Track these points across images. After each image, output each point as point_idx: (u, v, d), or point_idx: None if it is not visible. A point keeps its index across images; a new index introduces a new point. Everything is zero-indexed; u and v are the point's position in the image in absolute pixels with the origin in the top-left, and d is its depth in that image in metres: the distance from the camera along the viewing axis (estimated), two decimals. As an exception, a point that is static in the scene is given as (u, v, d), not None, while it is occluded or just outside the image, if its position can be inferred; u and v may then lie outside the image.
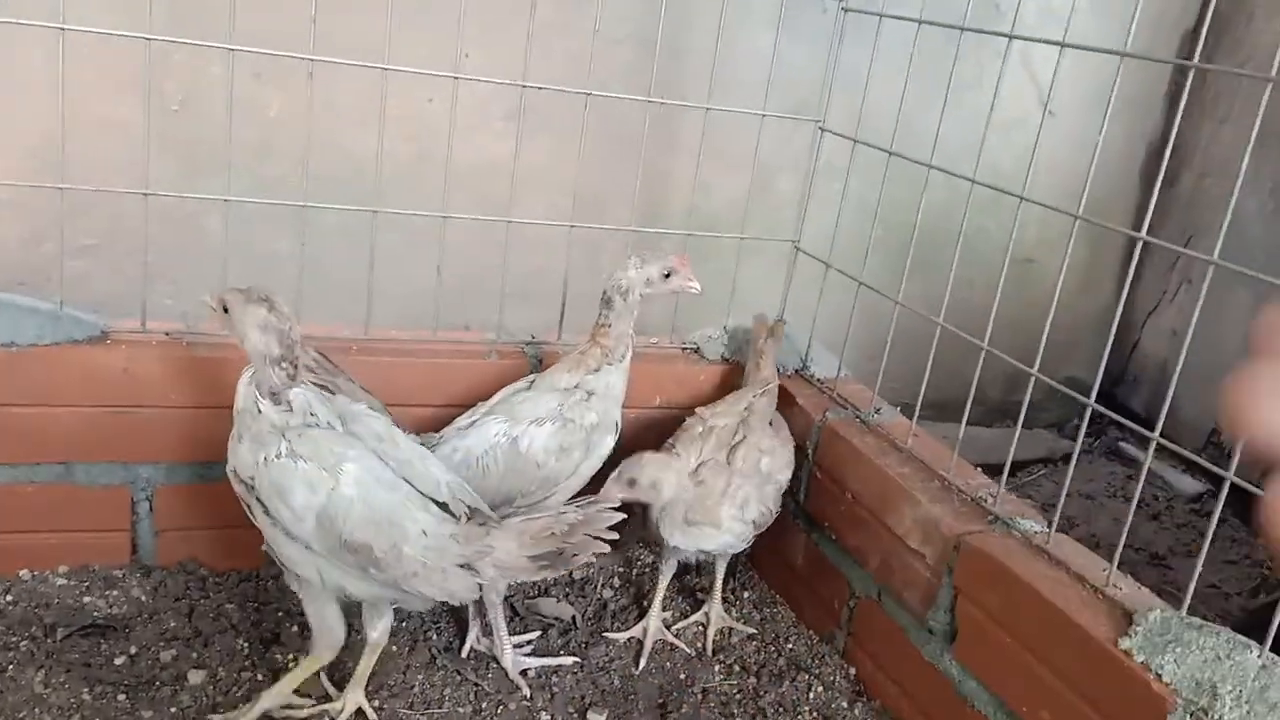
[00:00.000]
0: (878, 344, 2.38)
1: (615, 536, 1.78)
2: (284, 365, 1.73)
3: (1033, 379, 2.03)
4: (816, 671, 2.25)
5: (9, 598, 2.07)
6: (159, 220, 2.24)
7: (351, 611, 1.92)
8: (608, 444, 2.17)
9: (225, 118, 2.21)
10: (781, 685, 2.19)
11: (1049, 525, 1.98)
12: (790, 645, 2.34)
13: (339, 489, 1.71)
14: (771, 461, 2.24)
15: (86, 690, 1.89)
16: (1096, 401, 1.91)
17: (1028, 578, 1.85)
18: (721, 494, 2.14)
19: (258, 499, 1.75)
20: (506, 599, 2.32)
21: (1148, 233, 1.86)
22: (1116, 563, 1.84)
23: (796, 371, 2.56)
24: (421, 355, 2.30)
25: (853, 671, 2.25)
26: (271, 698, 1.87)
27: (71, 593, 2.12)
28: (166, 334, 2.16)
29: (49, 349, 2.03)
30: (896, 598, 2.13)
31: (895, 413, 2.39)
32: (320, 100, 2.27)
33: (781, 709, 2.14)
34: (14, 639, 1.97)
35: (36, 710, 1.82)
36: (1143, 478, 1.85)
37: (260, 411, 1.74)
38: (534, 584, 2.40)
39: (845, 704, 2.17)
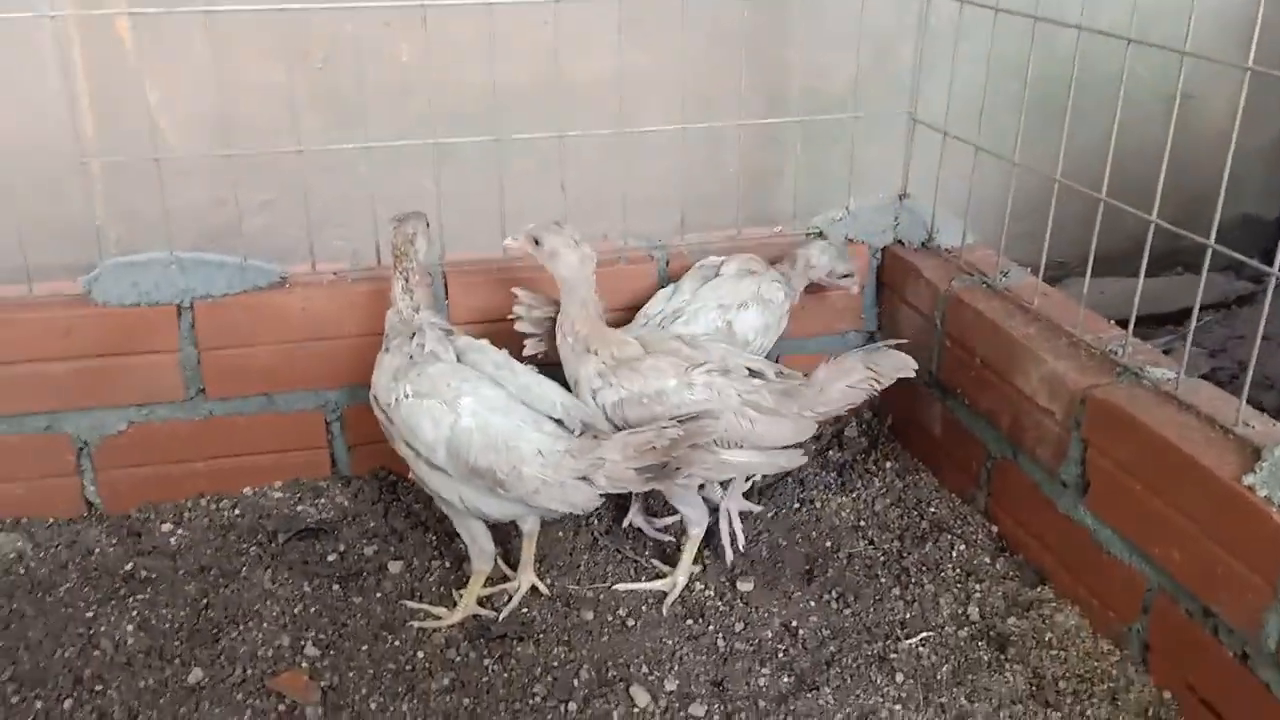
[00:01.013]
0: (1020, 209, 2.36)
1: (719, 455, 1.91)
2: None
3: (1152, 226, 2.00)
4: (959, 531, 2.33)
5: (236, 511, 2.44)
6: (320, 171, 2.49)
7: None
8: (788, 315, 2.40)
9: (362, 70, 2.43)
10: (924, 546, 2.29)
11: (1182, 371, 1.96)
12: (933, 509, 2.42)
13: (459, 421, 1.93)
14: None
15: (306, 583, 2.22)
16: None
17: (1153, 424, 1.85)
18: (620, 343, 2.08)
19: (397, 431, 2.01)
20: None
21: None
22: (1244, 399, 1.81)
23: (923, 244, 2.58)
24: (556, 270, 2.48)
25: (994, 529, 2.32)
26: (460, 613, 2.11)
27: (287, 503, 2.46)
28: (334, 274, 2.44)
29: (239, 297, 2.34)
30: (1030, 455, 2.16)
31: (1024, 274, 2.38)
32: (444, 41, 2.45)
33: (925, 568, 2.24)
34: (244, 545, 2.33)
35: (268, 602, 2.17)
36: (1265, 312, 1.79)
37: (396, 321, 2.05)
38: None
39: (988, 560, 2.25)
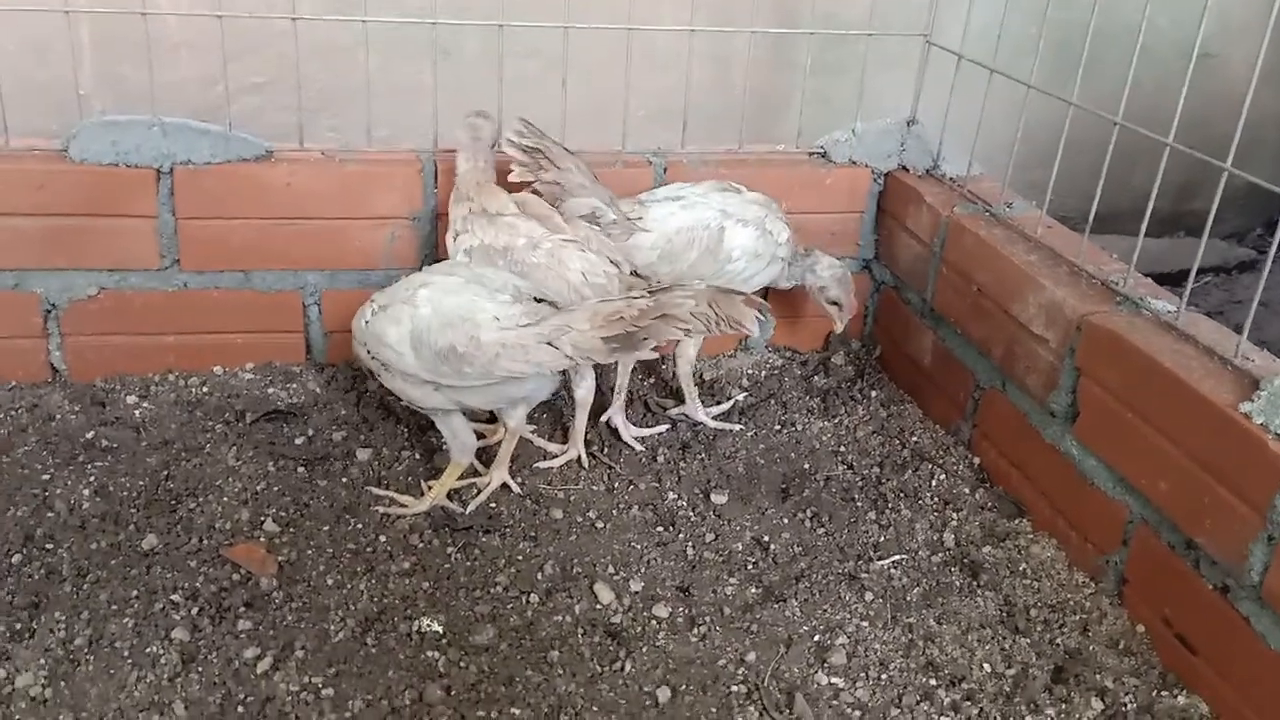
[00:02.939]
0: (1029, 159, 2.30)
1: (688, 326, 1.83)
2: None
3: (1167, 150, 1.94)
4: (940, 461, 2.28)
5: (205, 389, 2.38)
6: (318, 56, 2.42)
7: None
8: (779, 267, 2.35)
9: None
10: (904, 474, 2.25)
11: (1184, 304, 1.91)
12: (915, 438, 2.38)
13: (418, 312, 1.92)
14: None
15: (271, 464, 2.17)
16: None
17: (1150, 351, 1.81)
18: (492, 195, 2.16)
19: (378, 361, 1.98)
20: (641, 397, 2.46)
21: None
22: (1245, 334, 1.77)
23: (928, 171, 2.53)
24: (551, 166, 2.41)
25: (976, 461, 2.28)
26: (427, 502, 2.07)
27: (257, 385, 2.40)
28: (322, 152, 2.36)
29: (222, 166, 2.26)
30: (1019, 384, 2.12)
31: (1029, 206, 2.33)
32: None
33: (903, 495, 2.19)
34: (210, 423, 2.27)
35: (230, 478, 2.11)
36: (1270, 259, 1.73)
37: None
38: (665, 385, 2.53)
39: (967, 490, 2.21)
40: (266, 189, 2.30)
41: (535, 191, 2.19)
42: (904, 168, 2.54)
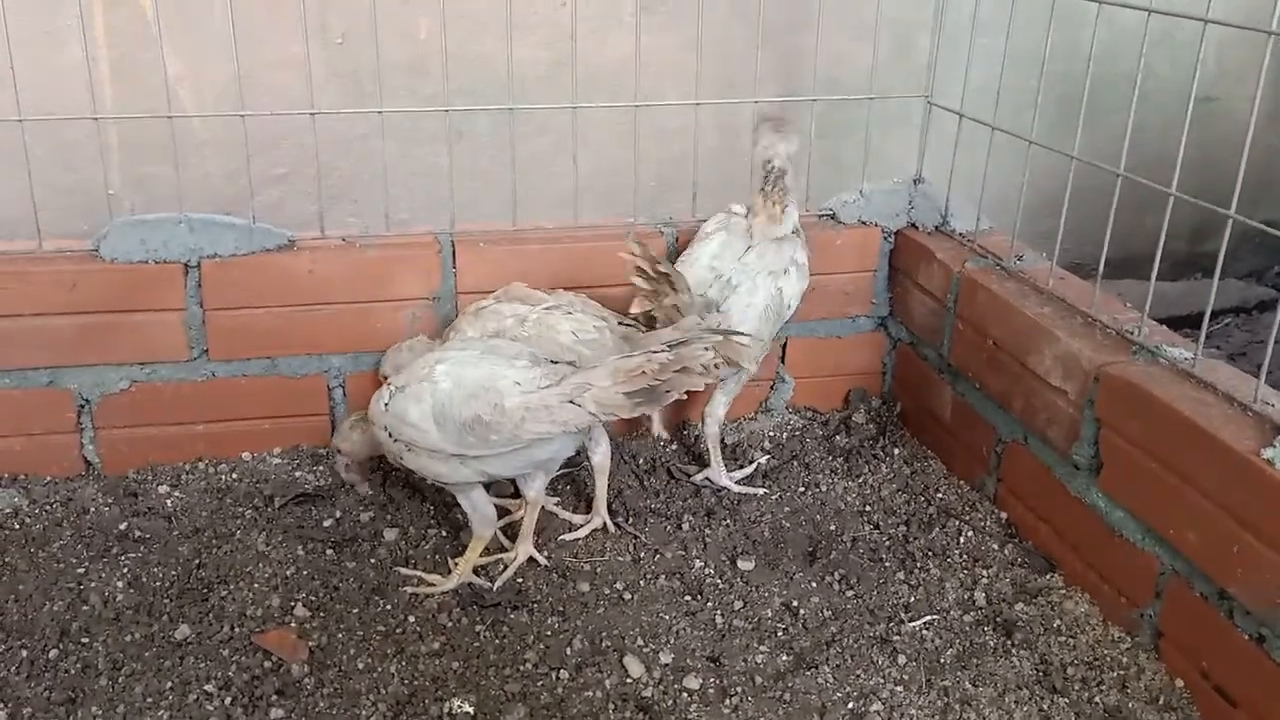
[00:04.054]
0: (1037, 209, 2.33)
1: (709, 375, 1.86)
2: None
3: (1170, 200, 1.95)
4: (967, 518, 2.27)
5: (234, 475, 2.41)
6: (335, 145, 2.49)
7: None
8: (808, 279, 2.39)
9: (380, 45, 2.44)
10: (931, 532, 2.24)
11: (1200, 350, 1.91)
12: (940, 495, 2.37)
13: (438, 387, 1.96)
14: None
15: (300, 547, 2.19)
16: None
17: (1168, 399, 1.81)
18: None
19: (401, 443, 2.01)
20: (664, 464, 2.47)
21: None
22: (1263, 377, 1.76)
23: (937, 228, 2.55)
24: (564, 241, 2.47)
25: (1003, 515, 2.26)
26: (456, 579, 2.09)
27: (285, 469, 2.44)
28: (343, 239, 2.43)
29: (247, 258, 2.33)
30: (1041, 438, 2.11)
31: (1039, 258, 2.34)
32: (461, 17, 2.45)
33: (931, 553, 2.18)
34: (240, 509, 2.30)
35: (260, 564, 2.14)
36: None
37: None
38: (689, 450, 2.54)
39: (996, 546, 2.19)
40: (290, 277, 2.36)
41: (651, 316, 2.18)
42: (914, 225, 2.57)
